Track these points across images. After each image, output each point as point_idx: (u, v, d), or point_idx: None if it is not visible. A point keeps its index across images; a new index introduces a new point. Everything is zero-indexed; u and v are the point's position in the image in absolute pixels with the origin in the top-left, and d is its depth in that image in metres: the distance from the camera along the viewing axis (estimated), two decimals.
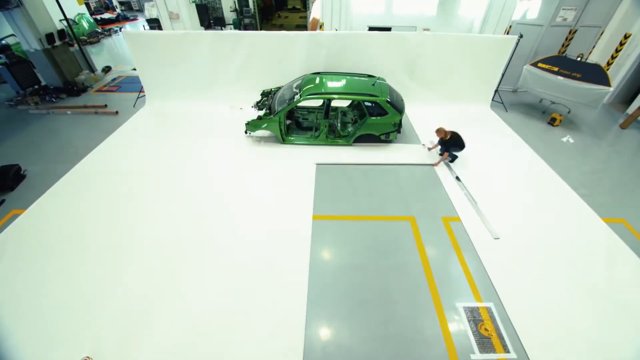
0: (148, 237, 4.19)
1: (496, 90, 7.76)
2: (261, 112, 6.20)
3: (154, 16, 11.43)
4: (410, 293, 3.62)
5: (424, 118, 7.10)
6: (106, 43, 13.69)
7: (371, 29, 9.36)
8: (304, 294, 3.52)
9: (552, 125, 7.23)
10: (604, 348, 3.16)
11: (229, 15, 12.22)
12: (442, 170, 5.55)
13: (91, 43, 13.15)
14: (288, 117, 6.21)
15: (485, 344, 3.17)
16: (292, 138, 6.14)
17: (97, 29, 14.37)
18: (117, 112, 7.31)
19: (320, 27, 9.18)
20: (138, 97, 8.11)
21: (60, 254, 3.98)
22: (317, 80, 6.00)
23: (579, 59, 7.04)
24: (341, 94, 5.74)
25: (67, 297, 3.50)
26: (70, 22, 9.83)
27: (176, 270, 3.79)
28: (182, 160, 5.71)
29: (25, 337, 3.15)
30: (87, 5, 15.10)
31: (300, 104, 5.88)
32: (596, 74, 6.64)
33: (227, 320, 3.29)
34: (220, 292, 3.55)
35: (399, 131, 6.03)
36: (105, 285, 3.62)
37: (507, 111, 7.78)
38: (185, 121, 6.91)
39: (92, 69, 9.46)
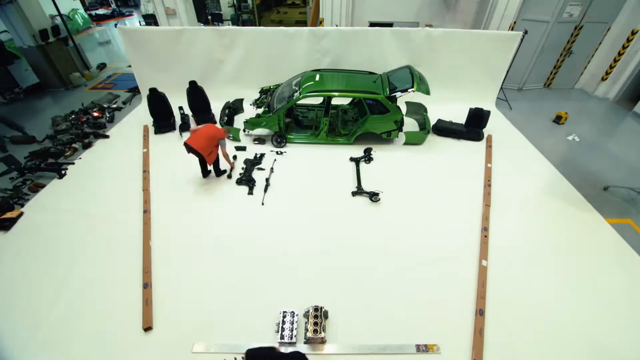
0: (139, 240, 4.04)
1: (501, 88, 7.60)
2: (260, 110, 6.06)
3: (150, 12, 11.19)
4: None
5: None
6: (101, 39, 13.44)
7: (372, 24, 9.19)
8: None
9: (558, 123, 7.09)
10: (607, 350, 3.08)
11: (227, 11, 11.99)
12: None
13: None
14: (287, 115, 6.07)
15: None
16: (291, 136, 6.00)
17: (92, 25, 14.13)
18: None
19: (320, 22, 9.00)
20: (134, 95, 7.95)
21: (55, 253, 3.88)
22: (317, 78, 5.84)
23: None
24: (341, 91, 5.59)
25: (59, 299, 3.38)
26: (65, 18, 9.61)
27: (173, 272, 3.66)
28: (180, 160, 5.57)
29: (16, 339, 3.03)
30: (82, 0, 14.84)
31: (299, 102, 5.75)
32: None
33: None
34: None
35: (400, 129, 5.90)
36: (99, 288, 3.50)
37: (511, 109, 7.63)
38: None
39: (86, 66, 9.27)
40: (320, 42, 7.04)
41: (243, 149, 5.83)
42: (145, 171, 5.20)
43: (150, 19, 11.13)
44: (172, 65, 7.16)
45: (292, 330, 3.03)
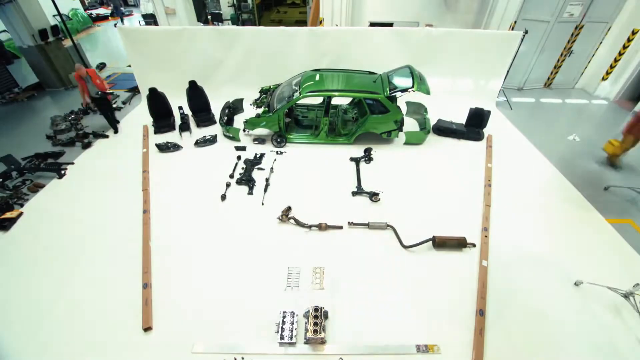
0: (138, 240, 4.03)
1: (501, 88, 7.59)
2: (260, 110, 6.06)
3: (150, 11, 11.20)
4: None
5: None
6: (101, 38, 13.43)
7: (372, 24, 9.18)
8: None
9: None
10: (606, 351, 3.09)
11: (227, 11, 11.98)
12: None
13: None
14: (287, 115, 6.07)
15: None
16: (291, 136, 5.99)
17: (91, 25, 14.12)
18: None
19: (320, 22, 8.99)
20: (134, 95, 7.95)
21: (55, 253, 3.87)
22: (317, 77, 5.84)
23: None
24: (341, 91, 5.59)
25: (59, 299, 3.38)
26: (64, 18, 9.60)
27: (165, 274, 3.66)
28: (179, 160, 5.56)
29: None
30: (81, 0, 14.83)
31: (300, 102, 5.75)
32: None
33: None
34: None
35: (400, 129, 5.89)
36: (99, 288, 3.50)
37: (512, 109, 7.62)
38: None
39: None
40: (320, 42, 7.03)
41: (243, 149, 5.83)
42: (145, 171, 5.20)
43: (150, 19, 11.14)
44: (172, 65, 7.16)
45: (292, 331, 3.03)
